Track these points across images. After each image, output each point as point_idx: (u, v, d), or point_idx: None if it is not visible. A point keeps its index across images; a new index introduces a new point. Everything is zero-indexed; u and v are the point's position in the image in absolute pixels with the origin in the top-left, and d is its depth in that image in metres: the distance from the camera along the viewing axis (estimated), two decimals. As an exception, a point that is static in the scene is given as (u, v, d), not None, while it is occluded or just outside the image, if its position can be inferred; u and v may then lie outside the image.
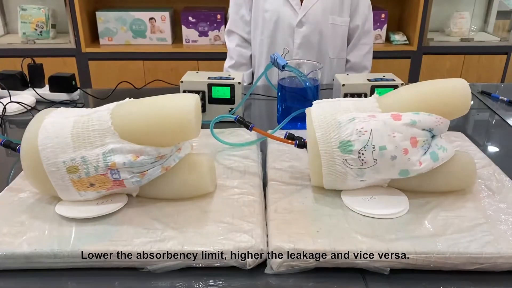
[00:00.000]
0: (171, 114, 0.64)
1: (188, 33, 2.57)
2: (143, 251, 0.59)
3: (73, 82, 1.17)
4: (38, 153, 0.63)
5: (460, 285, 0.58)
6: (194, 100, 0.65)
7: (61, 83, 1.16)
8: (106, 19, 2.51)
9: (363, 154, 0.66)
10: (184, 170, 0.69)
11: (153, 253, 0.59)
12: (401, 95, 0.72)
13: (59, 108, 0.70)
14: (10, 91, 1.15)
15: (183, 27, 2.55)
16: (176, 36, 2.67)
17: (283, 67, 0.92)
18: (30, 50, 2.48)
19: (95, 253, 0.58)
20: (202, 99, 1.03)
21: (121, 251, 0.59)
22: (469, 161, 0.71)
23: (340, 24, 1.42)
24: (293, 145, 0.74)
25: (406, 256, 0.58)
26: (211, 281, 0.58)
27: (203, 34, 2.57)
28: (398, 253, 0.58)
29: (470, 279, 0.59)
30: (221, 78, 1.04)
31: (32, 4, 2.55)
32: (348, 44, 1.49)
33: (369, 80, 1.03)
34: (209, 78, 1.04)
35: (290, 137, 0.75)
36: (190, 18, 2.54)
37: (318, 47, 1.43)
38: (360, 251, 0.58)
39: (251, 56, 1.52)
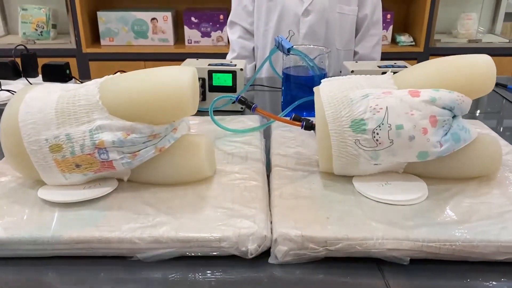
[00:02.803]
0: (165, 87, 0.58)
1: (191, 34, 2.52)
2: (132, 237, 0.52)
3: (68, 71, 1.12)
4: (18, 130, 0.57)
5: (489, 277, 0.51)
6: (190, 72, 0.59)
7: (54, 72, 1.10)
8: (107, 19, 2.47)
9: (377, 133, 0.59)
10: (180, 152, 0.63)
11: (143, 240, 0.52)
12: (418, 71, 0.66)
13: (44, 83, 0.64)
14: (1, 80, 1.09)
15: (186, 28, 2.51)
16: (178, 37, 2.62)
17: (288, 50, 0.87)
18: (31, 51, 2.43)
19: (78, 239, 0.52)
20: (202, 86, 0.97)
21: (107, 237, 0.52)
22: (493, 143, 0.65)
23: (348, 13, 1.36)
24: (300, 127, 0.68)
25: (428, 244, 0.52)
26: (208, 271, 0.52)
27: (205, 34, 2.53)
28: (419, 241, 0.52)
29: (500, 271, 0.52)
30: (222, 64, 0.98)
31: (33, 4, 2.51)
32: (356, 34, 1.43)
33: (379, 67, 0.97)
34: (209, 64, 0.98)
35: (296, 119, 0.69)
36: (192, 19, 2.50)
37: (325, 37, 1.37)
38: (376, 238, 0.52)
39: (254, 48, 1.46)
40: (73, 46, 2.44)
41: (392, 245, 0.52)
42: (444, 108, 0.61)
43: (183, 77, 0.58)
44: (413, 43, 2.52)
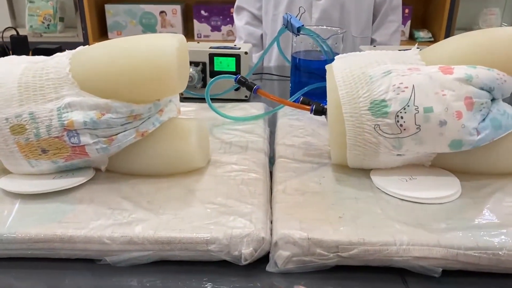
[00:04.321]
0: (146, 56, 0.48)
1: (200, 28, 2.45)
2: (100, 236, 0.43)
3: (60, 56, 1.03)
4: (-25, 107, 0.49)
5: (543, 296, 0.41)
6: (177, 39, 0.50)
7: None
8: (115, 12, 2.41)
9: (402, 117, 0.49)
10: (167, 137, 0.53)
11: (114, 240, 0.43)
12: (450, 46, 0.55)
13: (10, 56, 0.55)
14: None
15: (195, 21, 2.43)
16: (188, 31, 2.55)
17: (298, 30, 0.77)
18: (36, 43, 2.38)
19: (36, 237, 0.43)
20: (203, 72, 0.88)
21: (71, 236, 0.43)
22: (541, 132, 0.54)
23: None
24: (309, 112, 0.58)
25: (465, 251, 0.41)
26: (193, 280, 0.42)
27: (215, 28, 2.45)
28: (454, 247, 0.42)
29: (556, 288, 0.42)
30: (225, 47, 0.89)
31: (41, -4, 2.46)
32: (374, 21, 1.32)
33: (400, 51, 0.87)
34: (210, 47, 0.89)
35: (305, 102, 0.60)
36: (202, 12, 2.42)
37: (340, 23, 1.27)
38: (400, 244, 0.42)
39: (262, 36, 1.37)
40: (80, 39, 2.38)
41: (419, 252, 0.42)
42: (482, 88, 0.51)
43: (167, 44, 0.49)
44: (432, 39, 2.41)
